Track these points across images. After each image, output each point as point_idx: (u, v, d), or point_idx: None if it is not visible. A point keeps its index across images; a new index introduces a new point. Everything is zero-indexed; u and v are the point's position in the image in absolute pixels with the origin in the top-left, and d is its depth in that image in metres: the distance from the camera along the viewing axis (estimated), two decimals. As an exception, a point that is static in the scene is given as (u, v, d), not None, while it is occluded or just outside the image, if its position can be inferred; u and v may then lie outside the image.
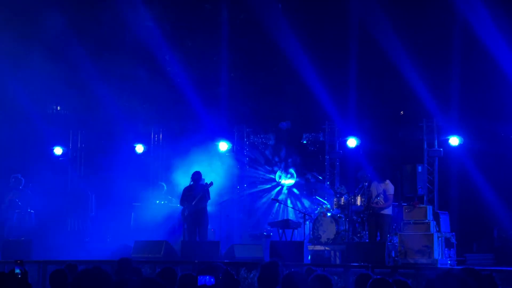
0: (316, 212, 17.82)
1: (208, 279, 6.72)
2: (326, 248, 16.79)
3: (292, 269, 10.24)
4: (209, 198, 16.52)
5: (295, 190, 20.71)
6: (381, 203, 15.49)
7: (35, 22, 18.37)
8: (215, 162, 19.73)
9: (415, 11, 18.11)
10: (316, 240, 17.10)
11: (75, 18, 19.02)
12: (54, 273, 7.55)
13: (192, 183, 16.67)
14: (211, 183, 16.54)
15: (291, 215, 19.29)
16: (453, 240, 16.18)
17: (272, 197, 20.56)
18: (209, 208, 16.84)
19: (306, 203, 19.67)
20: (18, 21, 18.13)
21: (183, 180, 18.00)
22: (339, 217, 17.18)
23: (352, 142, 19.30)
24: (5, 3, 17.86)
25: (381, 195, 15.49)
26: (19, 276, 6.90)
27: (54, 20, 18.46)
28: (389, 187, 15.61)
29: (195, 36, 19.98)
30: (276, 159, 21.18)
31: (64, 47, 18.92)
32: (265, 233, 18.63)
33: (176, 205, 18.41)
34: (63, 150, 21.28)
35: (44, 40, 18.66)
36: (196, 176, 16.69)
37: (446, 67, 18.10)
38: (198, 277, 6.75)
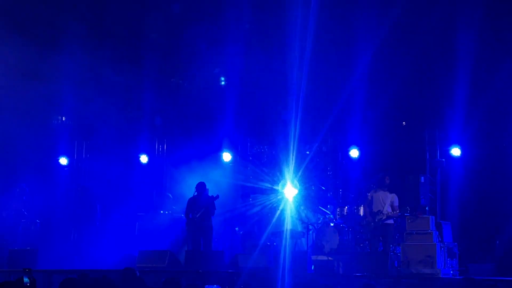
0: (319, 222, 17.89)
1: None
2: (329, 258, 16.83)
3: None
4: (214, 210, 16.54)
5: (298, 200, 20.75)
6: (391, 213, 15.70)
7: (45, 33, 18.48)
8: (219, 172, 19.82)
9: (417, 21, 18.18)
10: (319, 250, 17.16)
11: (79, 31, 19.12)
12: (64, 282, 7.57)
13: (196, 194, 16.66)
14: (217, 196, 16.52)
15: (295, 225, 19.33)
16: (455, 250, 16.21)
17: (276, 207, 20.59)
18: (213, 218, 16.88)
19: (309, 213, 19.72)
20: (28, 31, 18.24)
21: (187, 190, 18.06)
22: (342, 227, 17.25)
23: (354, 153, 19.38)
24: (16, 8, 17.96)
25: (389, 205, 15.74)
26: (28, 285, 6.92)
27: (61, 32, 18.59)
28: (396, 198, 15.91)
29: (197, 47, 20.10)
30: (279, 169, 21.21)
31: (70, 59, 19.02)
32: (268, 243, 18.68)
33: (180, 215, 18.48)
34: (68, 160, 21.38)
35: (51, 51, 18.76)
36: (201, 187, 16.69)
37: (448, 77, 18.15)
38: (205, 286, 6.86)
